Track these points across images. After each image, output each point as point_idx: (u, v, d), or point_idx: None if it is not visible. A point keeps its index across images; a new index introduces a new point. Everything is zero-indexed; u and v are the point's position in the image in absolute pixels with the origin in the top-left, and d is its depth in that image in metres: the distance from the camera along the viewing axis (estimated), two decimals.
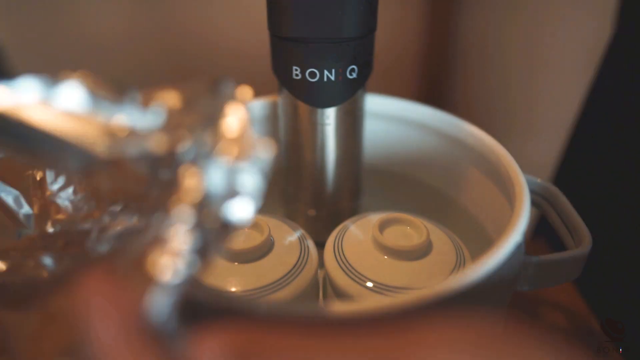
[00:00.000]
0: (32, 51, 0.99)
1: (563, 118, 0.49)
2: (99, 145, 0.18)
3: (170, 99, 0.19)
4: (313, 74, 0.32)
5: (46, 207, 0.26)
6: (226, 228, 0.16)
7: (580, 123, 0.46)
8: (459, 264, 0.29)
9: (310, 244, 0.31)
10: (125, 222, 0.23)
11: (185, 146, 0.18)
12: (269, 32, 0.33)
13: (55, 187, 0.26)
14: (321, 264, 0.31)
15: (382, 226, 0.30)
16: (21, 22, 0.95)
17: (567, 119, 0.49)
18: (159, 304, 0.15)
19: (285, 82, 0.34)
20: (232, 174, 0.17)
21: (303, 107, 0.34)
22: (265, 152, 0.18)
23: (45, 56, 0.99)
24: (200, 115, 0.19)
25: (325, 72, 0.32)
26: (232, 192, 0.17)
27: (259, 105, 0.39)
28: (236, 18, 0.56)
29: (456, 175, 0.38)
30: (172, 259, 0.15)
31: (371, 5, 0.31)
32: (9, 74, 1.00)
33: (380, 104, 0.39)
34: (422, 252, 0.29)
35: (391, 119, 0.39)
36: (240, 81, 0.20)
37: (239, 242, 0.30)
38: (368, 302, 0.20)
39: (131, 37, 0.64)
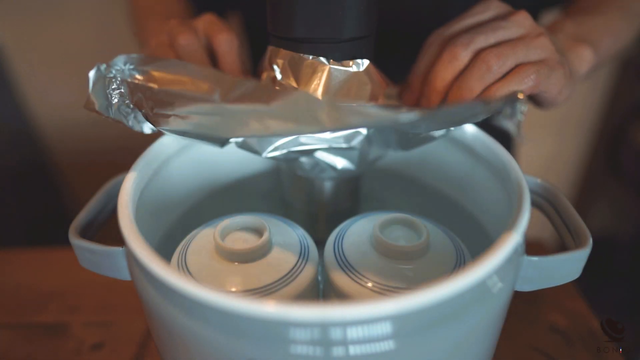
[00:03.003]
0: (32, 51, 0.99)
1: (564, 117, 0.49)
2: None
3: None
4: None
5: None
6: None
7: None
8: (459, 264, 0.29)
9: (310, 244, 0.31)
10: None
11: None
12: (268, 32, 0.33)
13: None
14: (321, 263, 0.31)
15: (382, 226, 0.30)
16: (21, 22, 0.95)
17: (568, 118, 0.49)
18: None
19: None
20: None
21: None
22: None
23: (45, 56, 1.00)
24: None
25: None
26: None
27: None
28: None
29: (456, 175, 0.38)
30: None
31: (372, 6, 0.31)
32: (9, 74, 1.00)
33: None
34: (422, 252, 0.29)
35: None
36: None
37: (239, 242, 0.30)
38: (368, 302, 0.20)
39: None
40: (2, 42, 0.97)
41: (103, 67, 0.29)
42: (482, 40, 0.31)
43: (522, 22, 0.32)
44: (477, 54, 0.31)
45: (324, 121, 0.23)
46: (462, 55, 0.31)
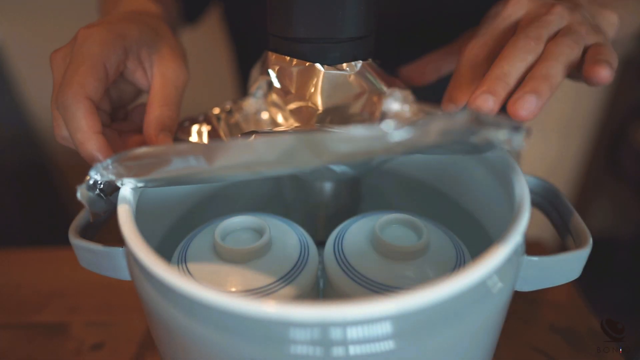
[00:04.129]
0: (32, 51, 0.99)
1: (564, 117, 0.49)
2: None
3: None
4: None
5: None
6: None
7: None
8: (459, 264, 0.29)
9: (310, 244, 0.31)
10: None
11: None
12: (268, 32, 0.33)
13: None
14: (321, 263, 0.31)
15: (382, 226, 0.30)
16: (21, 22, 0.95)
17: (568, 118, 0.49)
18: None
19: None
20: None
21: None
22: None
23: (45, 56, 0.99)
24: None
25: None
26: None
27: None
28: None
29: (456, 175, 0.38)
30: None
31: (371, 6, 0.31)
32: (9, 74, 1.00)
33: None
34: (422, 252, 0.29)
35: None
36: None
37: (239, 242, 0.30)
38: (368, 302, 0.20)
39: None
40: (2, 42, 0.97)
41: (82, 186, 0.28)
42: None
43: (563, 14, 0.31)
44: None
45: (312, 160, 0.23)
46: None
